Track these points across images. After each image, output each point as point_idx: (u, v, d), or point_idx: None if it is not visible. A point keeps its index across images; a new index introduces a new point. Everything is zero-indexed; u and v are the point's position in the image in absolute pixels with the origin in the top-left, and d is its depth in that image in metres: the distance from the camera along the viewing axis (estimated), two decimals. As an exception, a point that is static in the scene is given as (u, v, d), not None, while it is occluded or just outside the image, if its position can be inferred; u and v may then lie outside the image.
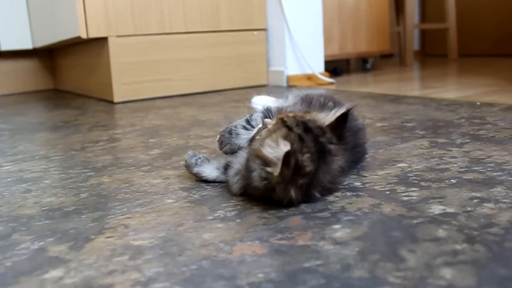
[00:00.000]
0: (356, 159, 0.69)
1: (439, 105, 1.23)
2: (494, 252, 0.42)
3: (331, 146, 0.56)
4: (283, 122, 0.57)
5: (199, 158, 0.69)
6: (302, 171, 0.53)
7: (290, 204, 0.55)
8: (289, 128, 0.56)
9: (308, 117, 0.58)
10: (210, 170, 0.68)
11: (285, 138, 0.54)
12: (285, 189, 0.54)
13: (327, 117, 0.58)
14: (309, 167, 0.54)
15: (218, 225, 0.52)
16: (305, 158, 0.54)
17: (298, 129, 0.55)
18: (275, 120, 0.59)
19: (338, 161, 0.57)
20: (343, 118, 0.58)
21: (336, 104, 0.69)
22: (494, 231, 0.46)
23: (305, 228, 0.50)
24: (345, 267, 0.41)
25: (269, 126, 0.59)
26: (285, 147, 0.51)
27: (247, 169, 0.58)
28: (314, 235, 0.48)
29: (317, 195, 0.57)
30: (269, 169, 0.53)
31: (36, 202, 0.64)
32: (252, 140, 0.62)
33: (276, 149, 0.53)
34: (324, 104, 0.70)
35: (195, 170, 0.68)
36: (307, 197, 0.56)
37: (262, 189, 0.56)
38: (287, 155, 0.51)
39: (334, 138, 0.57)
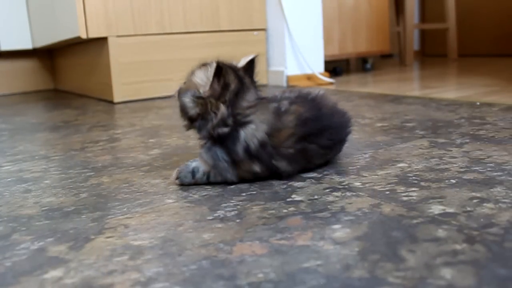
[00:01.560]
0: (335, 140, 0.70)
1: (439, 105, 1.23)
2: (494, 252, 0.42)
3: (246, 79, 0.67)
4: (202, 64, 0.67)
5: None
6: (228, 88, 0.64)
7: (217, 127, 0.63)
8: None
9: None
10: None
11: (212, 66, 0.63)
12: (216, 105, 0.64)
13: (239, 63, 0.69)
14: (233, 84, 0.64)
15: (218, 225, 0.52)
16: (231, 77, 0.64)
17: (218, 64, 0.64)
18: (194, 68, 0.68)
19: (254, 94, 0.67)
20: (252, 63, 0.69)
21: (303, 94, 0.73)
22: (494, 231, 0.46)
23: (305, 228, 0.50)
24: (345, 267, 0.41)
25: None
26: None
27: (184, 112, 0.66)
28: (314, 235, 0.48)
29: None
30: (201, 90, 0.64)
31: (36, 202, 0.64)
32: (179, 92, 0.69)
33: (207, 72, 0.63)
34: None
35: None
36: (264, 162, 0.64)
37: (195, 117, 0.65)
38: (219, 68, 0.62)
39: (247, 77, 0.67)
